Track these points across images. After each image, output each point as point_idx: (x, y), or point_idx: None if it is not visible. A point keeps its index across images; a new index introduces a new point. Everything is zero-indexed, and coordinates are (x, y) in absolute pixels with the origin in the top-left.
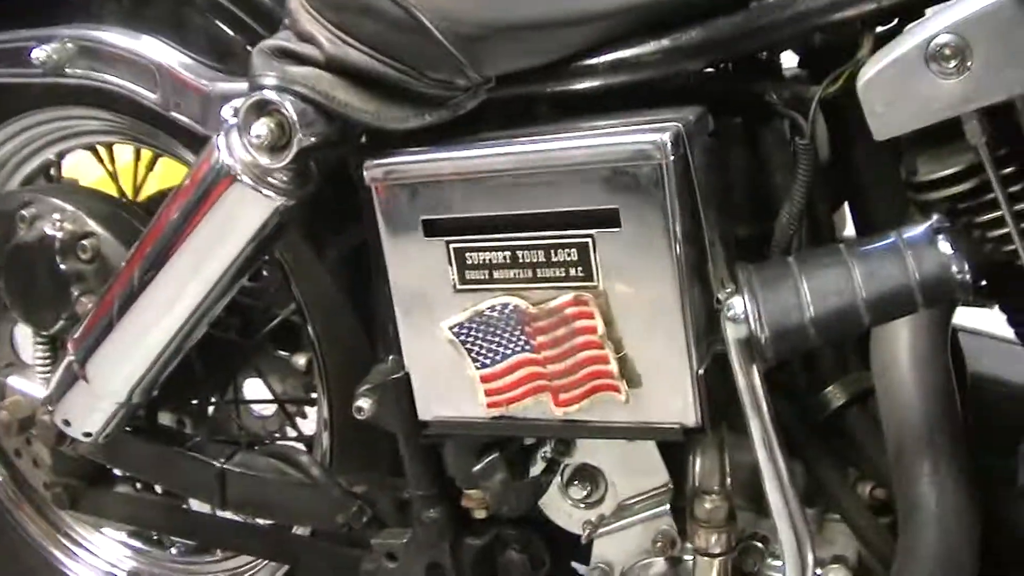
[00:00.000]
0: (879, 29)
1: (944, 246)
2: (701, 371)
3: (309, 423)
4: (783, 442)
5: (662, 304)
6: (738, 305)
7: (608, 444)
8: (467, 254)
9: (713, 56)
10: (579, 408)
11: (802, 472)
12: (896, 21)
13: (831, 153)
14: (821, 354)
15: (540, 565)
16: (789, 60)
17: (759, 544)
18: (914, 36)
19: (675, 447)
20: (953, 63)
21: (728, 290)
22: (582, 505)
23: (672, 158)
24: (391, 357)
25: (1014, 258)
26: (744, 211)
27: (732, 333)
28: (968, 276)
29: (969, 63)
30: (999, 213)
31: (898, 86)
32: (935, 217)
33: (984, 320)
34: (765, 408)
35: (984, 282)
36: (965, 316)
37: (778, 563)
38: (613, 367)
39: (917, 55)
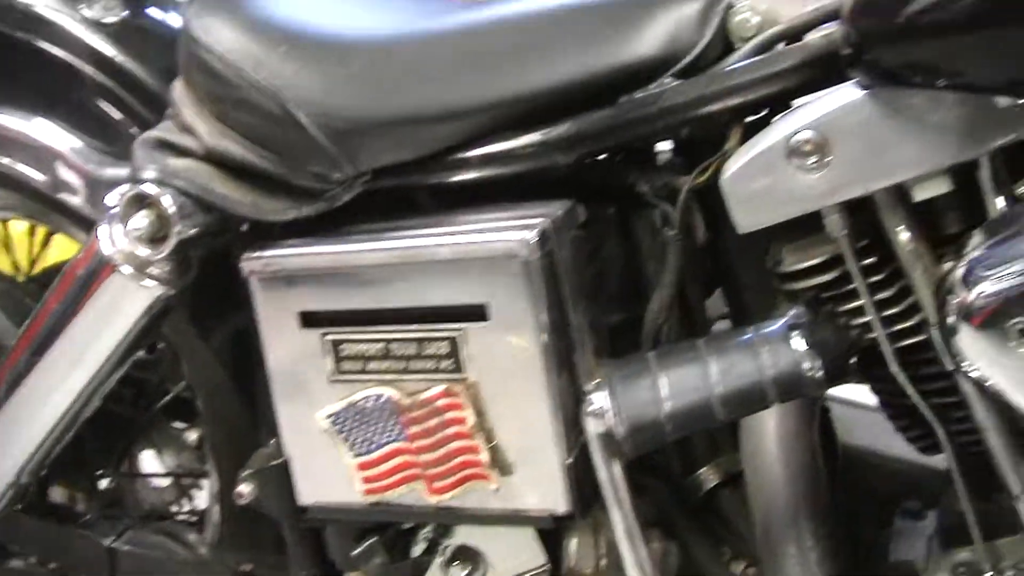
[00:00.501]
0: (749, 119)
1: (798, 343)
2: (570, 460)
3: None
4: (646, 530)
5: (531, 396)
6: (598, 400)
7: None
8: (342, 345)
9: (584, 149)
10: (452, 496)
11: (677, 552)
12: (767, 111)
13: (706, 239)
14: (694, 437)
15: None
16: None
17: None
18: (776, 131)
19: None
20: (813, 158)
21: (596, 381)
22: None
23: (538, 255)
24: (272, 442)
25: (876, 343)
26: (618, 299)
27: (592, 428)
28: (820, 373)
29: (829, 158)
30: (861, 302)
31: (760, 180)
32: (792, 312)
33: (857, 391)
34: (627, 500)
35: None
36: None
37: None
38: (484, 457)
39: (779, 150)
